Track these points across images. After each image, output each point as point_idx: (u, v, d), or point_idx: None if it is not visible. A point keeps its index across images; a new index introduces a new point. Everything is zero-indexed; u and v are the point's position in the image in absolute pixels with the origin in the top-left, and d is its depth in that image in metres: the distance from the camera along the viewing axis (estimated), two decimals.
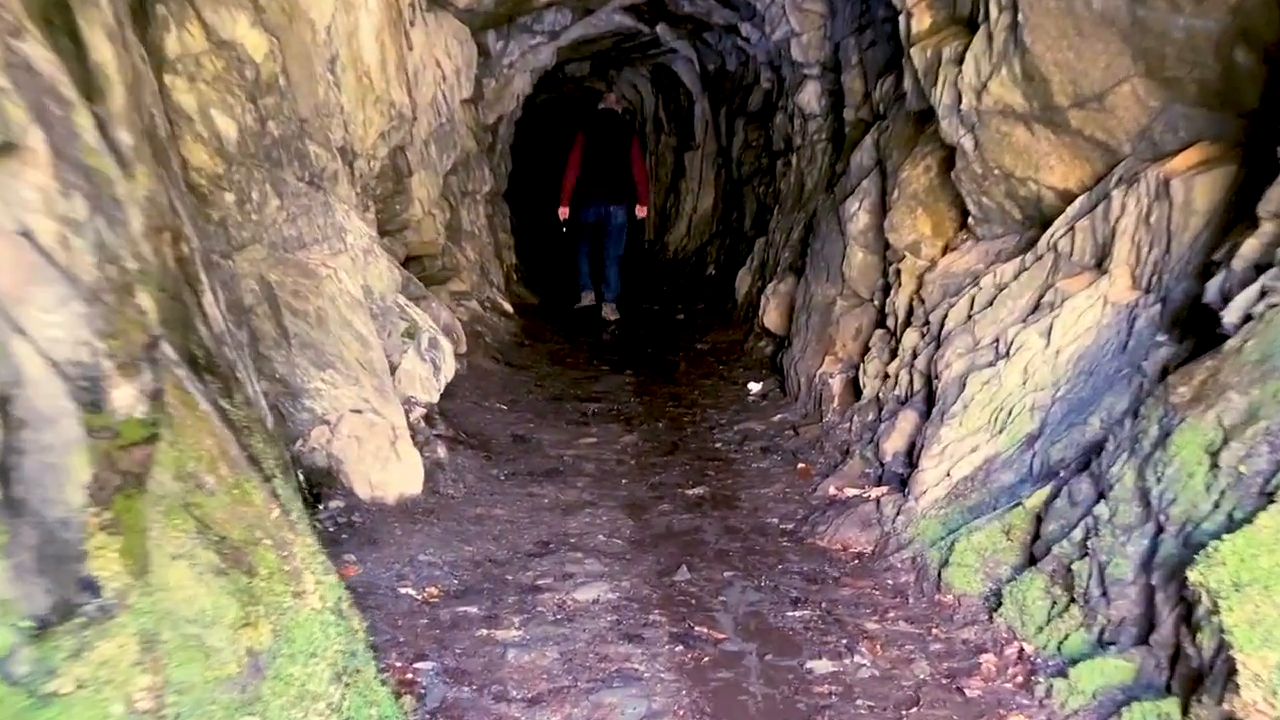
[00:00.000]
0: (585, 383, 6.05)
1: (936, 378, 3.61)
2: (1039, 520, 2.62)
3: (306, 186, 3.42)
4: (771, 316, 6.23)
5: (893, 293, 4.32)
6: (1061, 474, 2.72)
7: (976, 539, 2.78)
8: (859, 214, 4.65)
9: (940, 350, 3.61)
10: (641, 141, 8.79)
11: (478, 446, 4.52)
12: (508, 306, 7.63)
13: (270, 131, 3.31)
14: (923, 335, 3.90)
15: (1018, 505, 2.76)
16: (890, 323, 4.35)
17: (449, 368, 4.58)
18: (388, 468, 3.48)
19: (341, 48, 3.57)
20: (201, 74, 3.05)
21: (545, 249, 12.32)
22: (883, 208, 4.45)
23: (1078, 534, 2.35)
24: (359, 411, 3.54)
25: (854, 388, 4.75)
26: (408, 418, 4.19)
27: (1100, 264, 3.00)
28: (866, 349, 4.66)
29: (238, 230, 3.22)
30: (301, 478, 3.02)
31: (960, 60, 3.21)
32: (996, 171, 3.37)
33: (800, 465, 4.43)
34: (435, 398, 4.54)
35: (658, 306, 9.11)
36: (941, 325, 3.69)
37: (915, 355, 3.91)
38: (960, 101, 3.24)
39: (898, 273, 4.27)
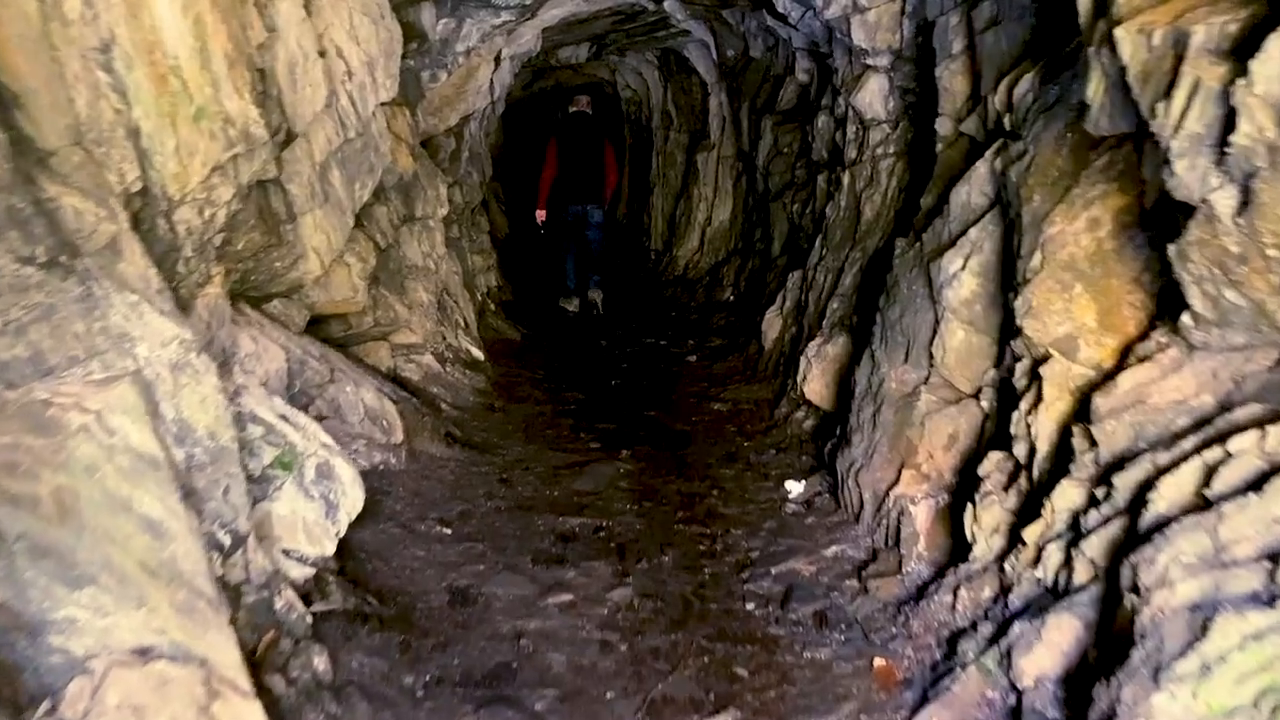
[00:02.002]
0: (567, 475, 4.56)
1: (1138, 593, 2.12)
2: None
3: (40, 271, 1.94)
4: (814, 385, 4.73)
5: (1024, 405, 2.82)
6: None
7: None
8: (962, 276, 3.14)
9: (1146, 548, 2.11)
10: (616, 141, 8.76)
11: (392, 622, 3.03)
12: (477, 353, 6.14)
13: None
14: (1094, 499, 2.40)
15: None
16: (1019, 450, 2.85)
17: (352, 500, 3.09)
18: None
19: (119, 28, 2.07)
20: None
21: (542, 261, 10.83)
22: (1006, 273, 2.94)
23: None
24: (144, 653, 2.06)
25: (950, 525, 3.27)
26: (281, 586, 2.75)
27: None
28: (970, 473, 3.17)
29: None
30: None
31: (1239, 52, 1.71)
32: (1275, 252, 1.86)
33: (878, 662, 2.94)
34: (329, 548, 3.06)
35: (664, 341, 7.61)
36: (1142, 499, 2.19)
37: (1081, 529, 2.42)
38: (1231, 129, 1.73)
39: (1035, 376, 2.77)
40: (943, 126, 3.30)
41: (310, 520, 2.96)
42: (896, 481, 3.53)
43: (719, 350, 7.06)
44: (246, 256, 2.83)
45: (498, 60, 6.12)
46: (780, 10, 4.81)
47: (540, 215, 8.32)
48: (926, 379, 3.52)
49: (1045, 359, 2.71)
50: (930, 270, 3.26)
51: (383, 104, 3.47)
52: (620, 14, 7.27)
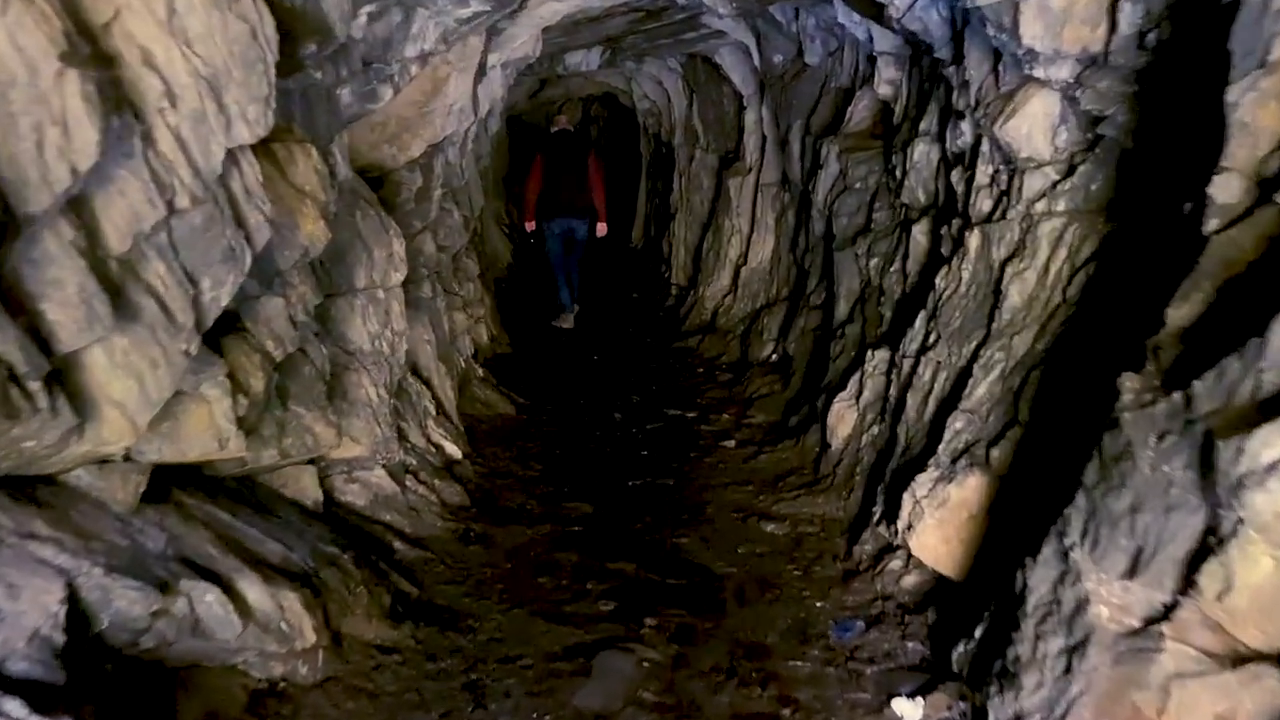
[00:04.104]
0: (566, 678, 3.09)
1: None
2: None
3: None
4: (928, 539, 3.27)
5: None
6: None
7: None
8: None
9: None
10: (600, 156, 8.77)
11: None
12: (453, 448, 4.69)
13: None
14: None
15: None
16: None
17: None
18: None
19: None
20: None
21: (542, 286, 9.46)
22: None
23: None
24: None
25: None
26: None
27: None
28: None
29: None
30: None
31: None
32: None
33: None
34: None
35: (692, 413, 6.14)
36: None
37: None
38: None
39: None
40: (1227, 188, 1.85)
41: None
42: None
43: (764, 432, 5.60)
44: None
45: (481, 69, 4.70)
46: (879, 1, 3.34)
47: (530, 225, 8.64)
48: (1169, 613, 2.05)
49: None
50: (1215, 450, 1.80)
51: (254, 145, 2.05)
52: (639, 11, 5.83)
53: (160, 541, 2.35)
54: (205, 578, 2.38)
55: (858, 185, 4.74)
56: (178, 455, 2.31)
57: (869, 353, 4.30)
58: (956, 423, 3.20)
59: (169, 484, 2.69)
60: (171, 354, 1.94)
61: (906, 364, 3.81)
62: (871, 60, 4.56)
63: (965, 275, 3.28)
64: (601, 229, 8.53)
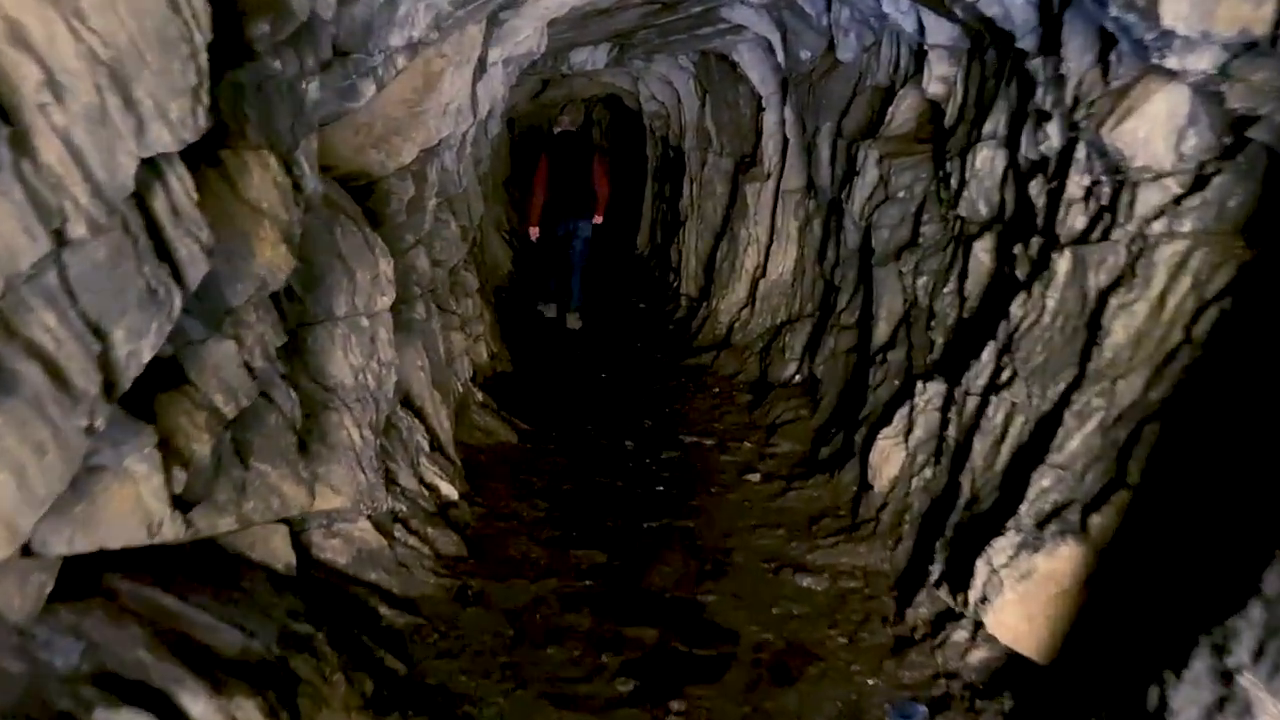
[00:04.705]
0: None
1: None
2: None
3: None
4: (1007, 616, 2.77)
5: None
6: None
7: None
8: None
9: None
10: (605, 156, 8.92)
11: None
12: (448, 489, 4.20)
13: None
14: None
15: None
16: None
17: None
18: None
19: None
20: None
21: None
22: None
23: None
24: None
25: None
26: None
27: None
28: None
29: None
30: None
31: None
32: None
33: None
34: None
35: (710, 439, 5.64)
36: None
37: None
38: None
39: None
40: None
41: None
42: None
43: (792, 465, 5.10)
44: None
45: (481, 66, 4.21)
46: None
47: (533, 232, 8.56)
48: None
49: None
50: None
51: (186, 152, 1.56)
52: (655, 3, 5.34)
53: (74, 655, 1.85)
54: (132, 699, 1.88)
55: (901, 194, 4.24)
56: (95, 545, 1.82)
57: (919, 384, 3.80)
58: (1043, 479, 2.70)
59: (101, 566, 2.20)
60: (66, 433, 1.45)
61: (970, 402, 3.31)
62: (919, 55, 4.07)
63: (1049, 304, 2.78)
64: (597, 219, 8.60)
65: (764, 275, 6.95)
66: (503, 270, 10.20)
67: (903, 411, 3.90)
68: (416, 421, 4.08)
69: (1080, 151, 2.62)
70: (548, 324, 8.85)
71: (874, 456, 4.03)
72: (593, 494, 4.85)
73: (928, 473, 3.71)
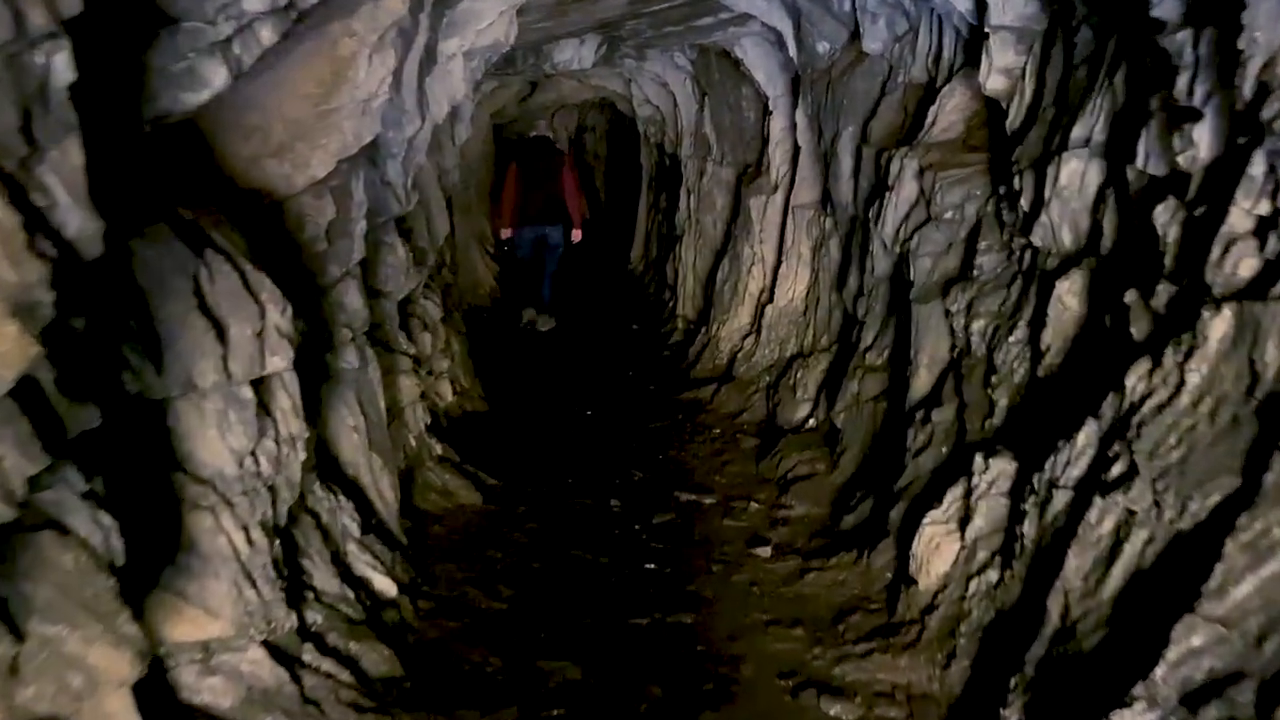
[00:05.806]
0: None
1: None
2: None
3: None
4: None
5: None
6: None
7: None
8: None
9: None
10: (578, 164, 9.04)
11: None
12: (383, 583, 3.37)
13: None
14: None
15: None
16: None
17: None
18: None
19: None
20: None
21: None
22: None
23: None
24: None
25: None
26: None
27: None
28: None
29: None
30: None
31: None
32: None
33: None
34: None
35: (710, 499, 4.80)
36: None
37: None
38: None
39: None
40: None
41: None
42: None
43: (809, 534, 4.26)
44: None
45: (431, 55, 3.38)
46: None
47: (506, 233, 8.72)
48: None
49: None
50: None
51: None
52: None
53: None
54: None
55: (949, 215, 3.42)
56: None
57: (977, 458, 2.97)
58: (1192, 636, 1.88)
59: None
60: None
61: (1059, 497, 2.49)
62: (969, 42, 3.26)
63: (1192, 380, 1.96)
64: (576, 235, 8.74)
65: (771, 301, 6.12)
66: (483, 289, 9.39)
67: (956, 491, 3.08)
68: (341, 500, 3.25)
69: (1258, 165, 1.80)
70: (531, 345, 8.17)
71: (919, 544, 3.20)
72: (568, 575, 4.01)
73: (991, 575, 2.88)
